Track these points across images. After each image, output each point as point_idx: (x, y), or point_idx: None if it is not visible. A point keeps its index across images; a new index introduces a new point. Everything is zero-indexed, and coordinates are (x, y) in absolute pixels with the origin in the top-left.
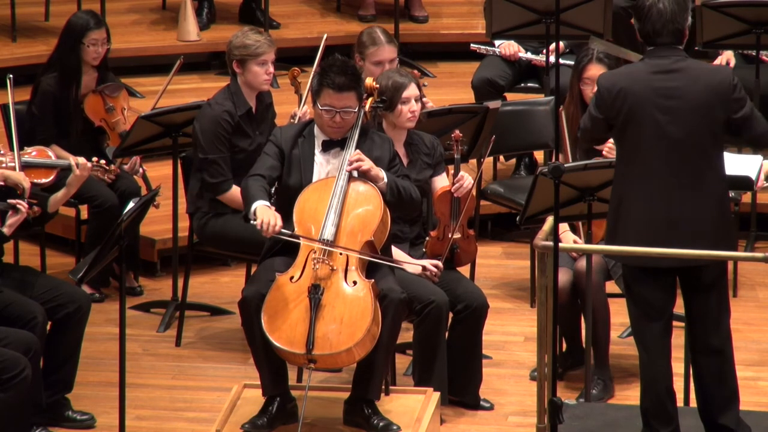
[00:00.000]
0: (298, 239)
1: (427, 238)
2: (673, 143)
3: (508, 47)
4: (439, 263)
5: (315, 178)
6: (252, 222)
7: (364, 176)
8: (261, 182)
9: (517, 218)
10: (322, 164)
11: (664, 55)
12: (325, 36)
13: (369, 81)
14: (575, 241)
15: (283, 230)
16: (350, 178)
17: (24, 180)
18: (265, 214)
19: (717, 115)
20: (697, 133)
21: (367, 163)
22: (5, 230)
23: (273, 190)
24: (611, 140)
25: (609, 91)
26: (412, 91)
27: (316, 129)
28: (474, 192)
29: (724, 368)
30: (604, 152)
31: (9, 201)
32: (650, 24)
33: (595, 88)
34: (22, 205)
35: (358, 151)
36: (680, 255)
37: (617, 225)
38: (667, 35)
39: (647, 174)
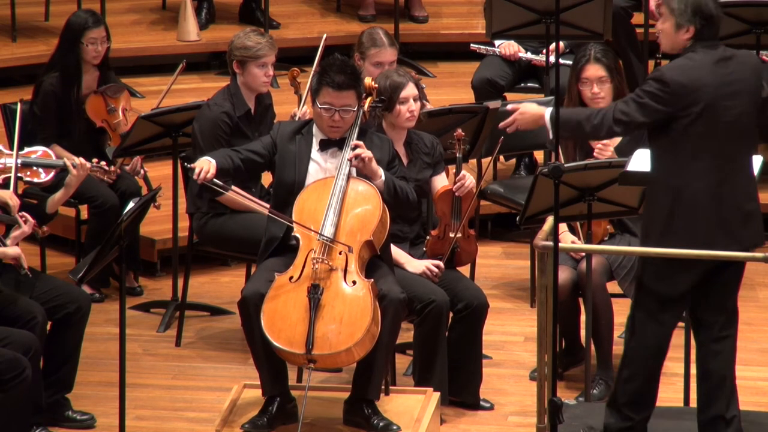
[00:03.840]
0: (227, 191)
1: (428, 238)
2: (735, 130)
3: (508, 47)
4: (441, 264)
5: (310, 176)
6: (187, 165)
7: (363, 169)
8: (231, 153)
9: (517, 218)
10: (318, 162)
11: (713, 45)
12: (324, 36)
13: (368, 80)
14: (573, 242)
15: (215, 180)
16: (349, 177)
17: (11, 198)
18: (201, 161)
19: (758, 96)
20: (748, 116)
21: (369, 152)
22: (8, 242)
23: (270, 188)
24: (604, 140)
25: (685, 86)
26: (410, 90)
27: (315, 128)
28: (475, 191)
29: (730, 350)
30: (595, 153)
31: (16, 216)
32: (717, 25)
33: (652, 84)
34: (26, 218)
35: (360, 142)
36: (679, 255)
37: (675, 219)
38: (718, 27)
39: (713, 162)
